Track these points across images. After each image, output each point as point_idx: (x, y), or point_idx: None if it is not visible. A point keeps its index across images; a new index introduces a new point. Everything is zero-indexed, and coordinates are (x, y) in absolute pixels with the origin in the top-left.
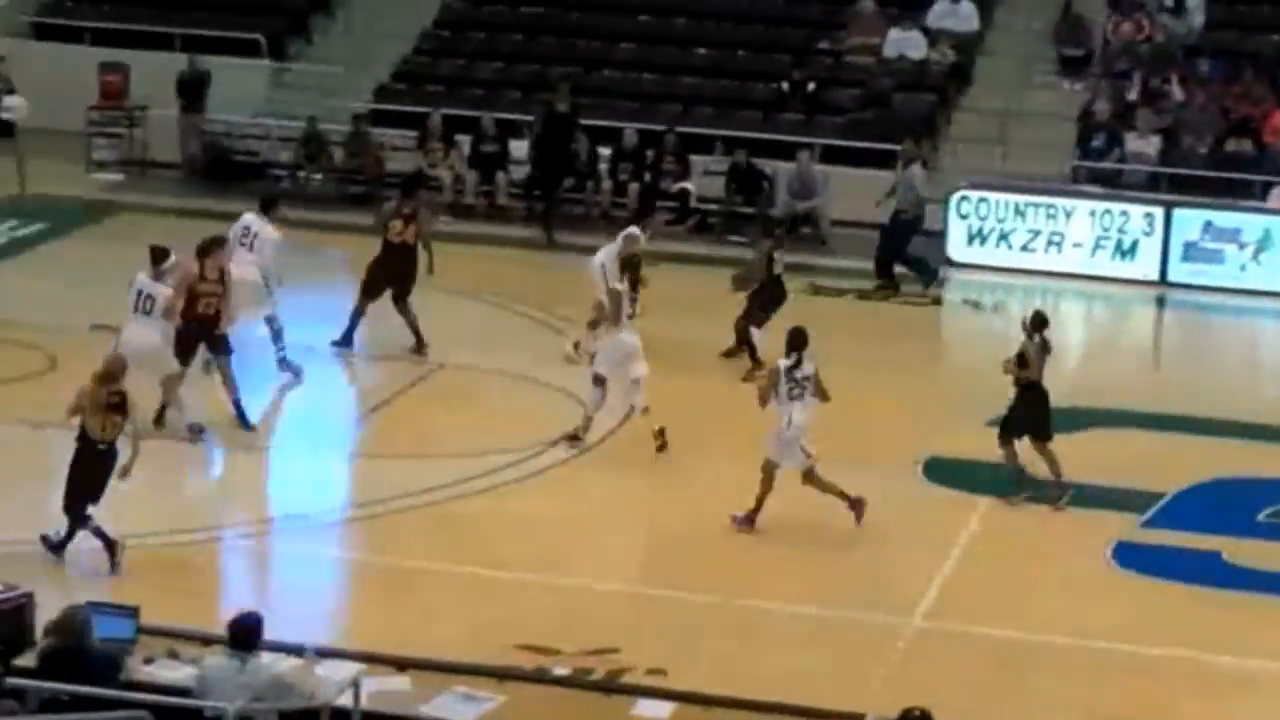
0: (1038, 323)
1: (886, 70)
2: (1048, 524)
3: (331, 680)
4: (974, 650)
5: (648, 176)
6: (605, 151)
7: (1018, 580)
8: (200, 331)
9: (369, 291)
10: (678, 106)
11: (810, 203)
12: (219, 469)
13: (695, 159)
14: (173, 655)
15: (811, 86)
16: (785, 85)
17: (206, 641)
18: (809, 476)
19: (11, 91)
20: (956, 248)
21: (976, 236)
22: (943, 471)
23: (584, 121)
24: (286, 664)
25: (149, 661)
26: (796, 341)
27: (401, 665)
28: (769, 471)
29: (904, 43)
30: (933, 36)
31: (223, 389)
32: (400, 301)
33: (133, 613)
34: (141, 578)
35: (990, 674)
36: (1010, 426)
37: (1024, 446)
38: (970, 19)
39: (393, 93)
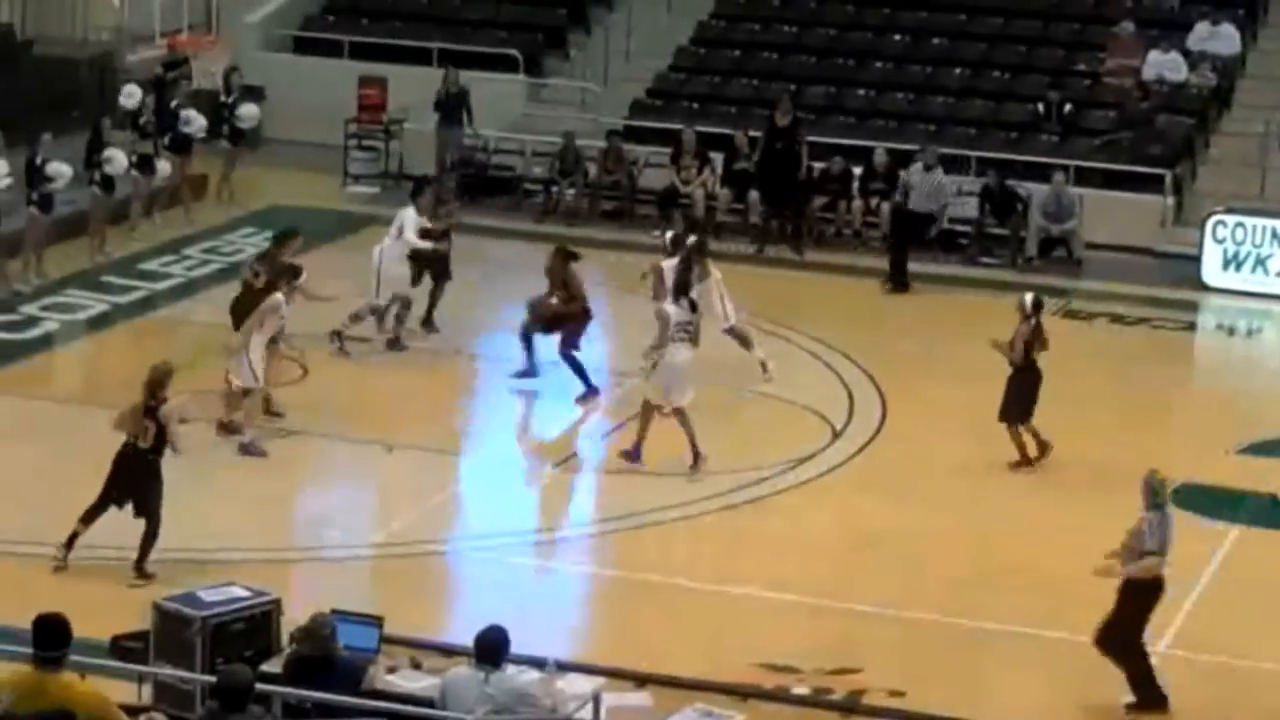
0: (1038, 306)
1: (1145, 93)
2: None
3: (572, 694)
4: (1218, 680)
5: (898, 196)
6: (857, 170)
7: (1266, 610)
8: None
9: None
10: (931, 126)
11: (1065, 225)
12: (467, 481)
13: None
14: (415, 665)
15: (1068, 108)
16: (1041, 106)
17: (449, 652)
18: (680, 414)
19: (251, 100)
20: (1211, 272)
21: (1232, 261)
22: (1193, 499)
23: (840, 141)
24: (529, 676)
25: (392, 670)
26: (687, 289)
27: (642, 681)
28: (648, 411)
29: (1164, 65)
30: (1193, 59)
31: None
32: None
33: (377, 623)
34: (386, 586)
35: (1236, 703)
36: (1011, 413)
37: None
38: (1231, 41)
39: (648, 109)
